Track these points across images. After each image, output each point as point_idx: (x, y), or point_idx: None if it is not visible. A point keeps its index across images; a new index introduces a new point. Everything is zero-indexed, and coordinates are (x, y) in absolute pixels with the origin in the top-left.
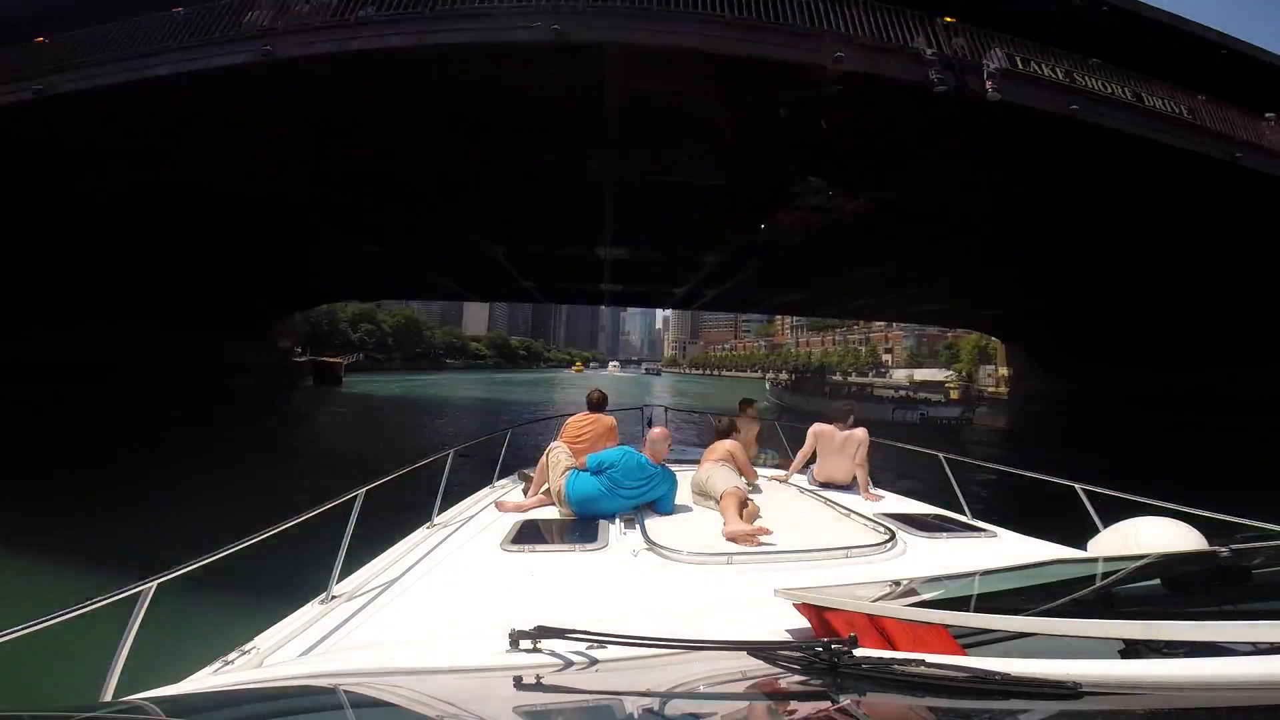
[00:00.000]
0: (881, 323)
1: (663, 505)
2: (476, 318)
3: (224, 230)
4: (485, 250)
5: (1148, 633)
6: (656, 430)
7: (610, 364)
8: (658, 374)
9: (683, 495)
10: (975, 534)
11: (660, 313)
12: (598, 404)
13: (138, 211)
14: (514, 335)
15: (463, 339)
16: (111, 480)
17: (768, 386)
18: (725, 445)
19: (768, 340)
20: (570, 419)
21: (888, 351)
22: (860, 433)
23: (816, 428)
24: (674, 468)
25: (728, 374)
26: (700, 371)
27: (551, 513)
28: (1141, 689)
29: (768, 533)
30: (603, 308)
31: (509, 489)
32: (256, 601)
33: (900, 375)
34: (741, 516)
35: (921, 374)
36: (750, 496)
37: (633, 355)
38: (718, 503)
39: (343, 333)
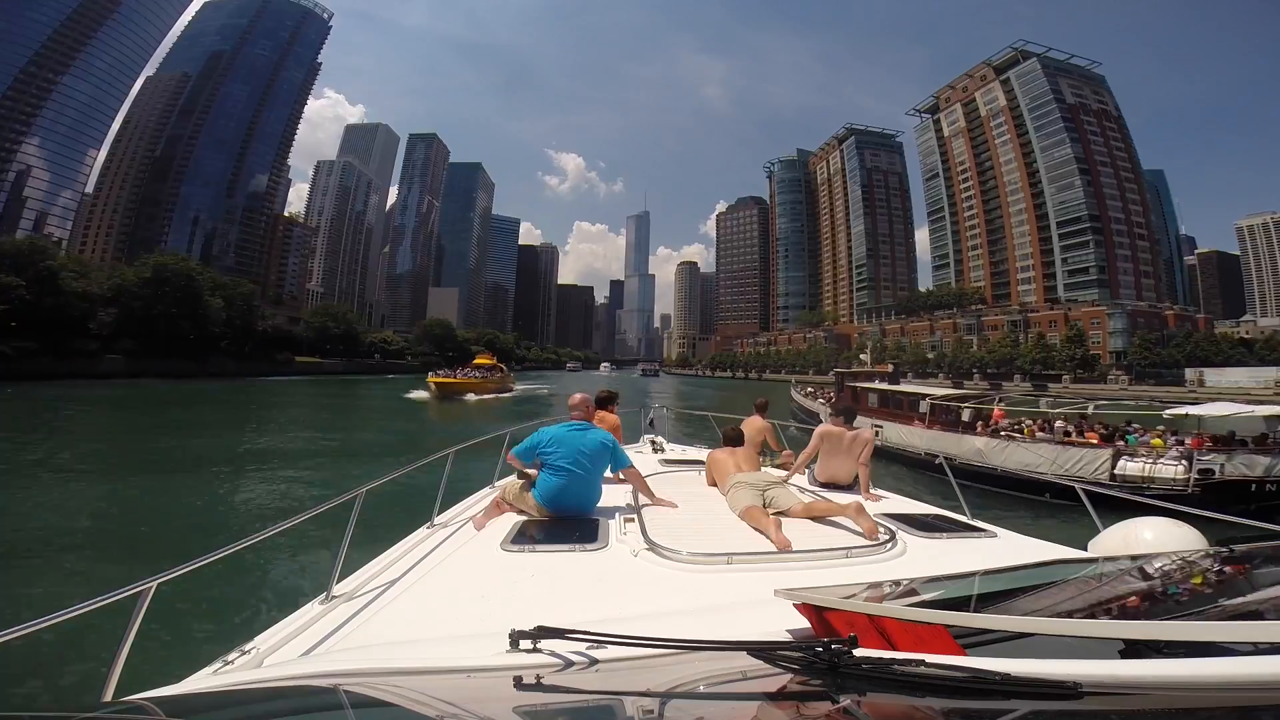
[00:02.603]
0: (1033, 296)
1: (621, 460)
2: (444, 307)
3: None
4: None
5: (1148, 633)
6: (575, 396)
7: (603, 365)
8: (655, 375)
9: (687, 495)
10: (975, 534)
11: (658, 310)
12: (603, 402)
13: None
14: (496, 330)
15: (347, 321)
16: None
17: (796, 395)
18: (753, 455)
19: (825, 330)
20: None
21: (1074, 339)
22: (866, 433)
23: (823, 428)
24: (677, 468)
25: (771, 377)
26: (728, 374)
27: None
28: (1141, 689)
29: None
30: (597, 305)
31: (514, 479)
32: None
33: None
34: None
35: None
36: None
37: (629, 355)
38: (768, 512)
39: None
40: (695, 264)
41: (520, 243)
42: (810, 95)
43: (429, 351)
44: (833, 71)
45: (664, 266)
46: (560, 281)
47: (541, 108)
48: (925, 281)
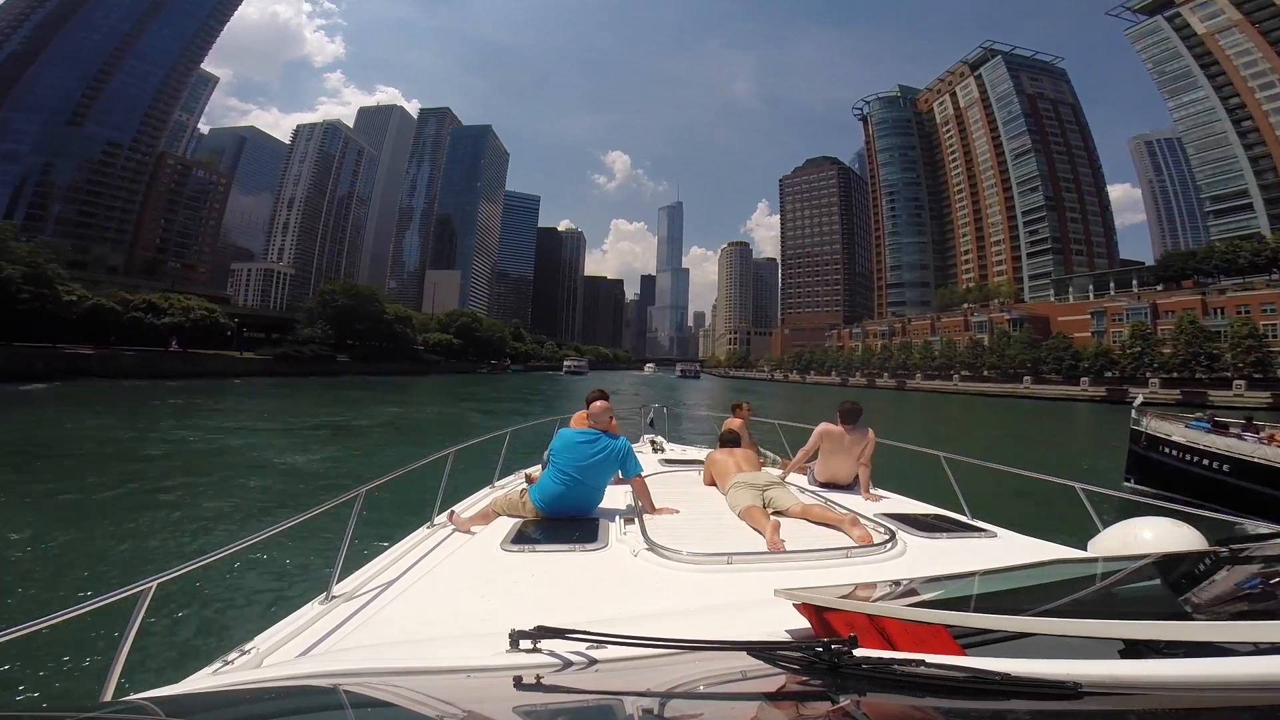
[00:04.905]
0: None
1: (631, 468)
2: (445, 292)
3: None
4: None
5: (1148, 633)
6: (596, 404)
7: (647, 365)
8: (695, 376)
9: (686, 495)
10: (975, 534)
11: (692, 308)
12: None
13: None
14: (510, 320)
15: (33, 264)
16: None
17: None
18: (752, 455)
19: (1008, 310)
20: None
21: None
22: (868, 433)
23: (823, 427)
24: (677, 468)
25: (923, 384)
26: (833, 378)
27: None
28: (1141, 689)
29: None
30: (628, 301)
31: (513, 486)
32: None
33: None
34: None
35: None
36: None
37: (660, 354)
38: (766, 512)
39: None
40: (746, 245)
41: (540, 224)
42: (846, 91)
43: (319, 337)
44: (874, 65)
45: (700, 265)
46: (593, 274)
47: (589, 107)
48: (1126, 245)
